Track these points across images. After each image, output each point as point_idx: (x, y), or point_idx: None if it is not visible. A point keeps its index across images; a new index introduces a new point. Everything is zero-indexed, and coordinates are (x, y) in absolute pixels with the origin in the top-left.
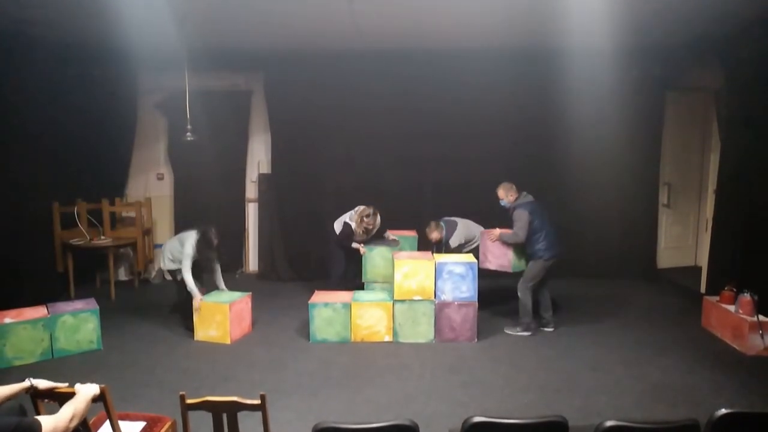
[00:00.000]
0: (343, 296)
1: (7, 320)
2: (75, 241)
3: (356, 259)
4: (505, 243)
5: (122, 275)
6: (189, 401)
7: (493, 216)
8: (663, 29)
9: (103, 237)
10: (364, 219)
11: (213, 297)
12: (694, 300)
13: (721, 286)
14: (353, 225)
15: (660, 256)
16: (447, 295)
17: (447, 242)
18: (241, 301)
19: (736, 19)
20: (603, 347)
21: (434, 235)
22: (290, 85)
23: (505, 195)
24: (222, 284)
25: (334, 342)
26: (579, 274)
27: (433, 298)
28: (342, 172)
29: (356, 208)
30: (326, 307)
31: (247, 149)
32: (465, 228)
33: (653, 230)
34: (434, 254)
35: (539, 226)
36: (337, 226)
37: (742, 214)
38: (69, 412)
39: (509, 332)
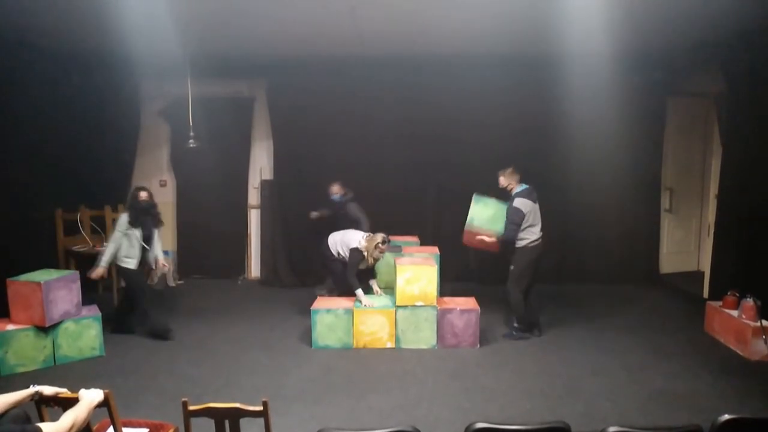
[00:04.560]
0: (345, 302)
1: (10, 327)
2: (78, 248)
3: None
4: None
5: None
6: (191, 408)
7: None
8: (664, 35)
9: (105, 243)
10: (380, 246)
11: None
12: (697, 305)
13: (723, 291)
14: (365, 253)
15: (662, 261)
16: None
17: (513, 198)
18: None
19: (737, 26)
20: (605, 353)
21: (501, 180)
22: (292, 92)
23: None
24: (160, 255)
25: (336, 348)
26: (581, 279)
27: (435, 303)
28: (344, 178)
29: (364, 234)
30: (328, 314)
31: (250, 156)
32: (535, 210)
33: (655, 235)
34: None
35: None
36: (340, 247)
37: (745, 219)
38: (69, 420)
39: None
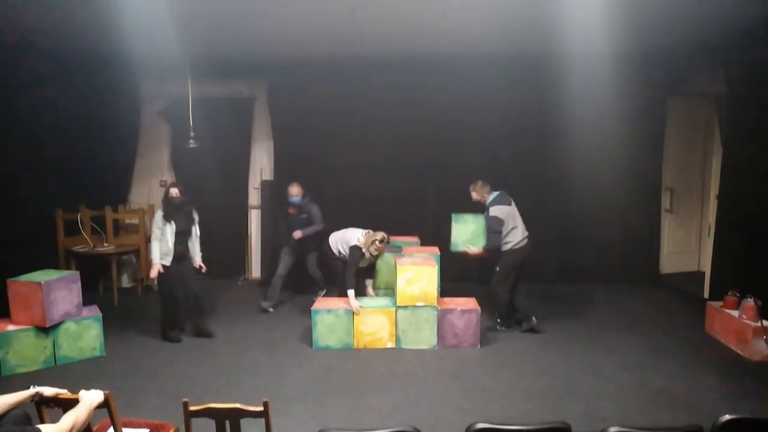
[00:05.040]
0: (345, 303)
1: (10, 327)
2: (78, 248)
3: (360, 275)
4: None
5: (125, 282)
6: (192, 408)
7: None
8: (665, 35)
9: (106, 244)
10: (377, 243)
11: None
12: (698, 305)
13: (724, 291)
14: (363, 249)
15: (663, 261)
16: None
17: (488, 208)
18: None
19: (737, 26)
20: (606, 353)
21: (473, 195)
22: (293, 92)
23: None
24: (196, 255)
25: (336, 348)
26: (582, 279)
27: (435, 303)
28: (344, 178)
29: (364, 231)
30: (329, 314)
31: (250, 156)
32: (513, 213)
33: (656, 235)
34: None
35: None
36: (341, 246)
37: (745, 219)
38: (70, 421)
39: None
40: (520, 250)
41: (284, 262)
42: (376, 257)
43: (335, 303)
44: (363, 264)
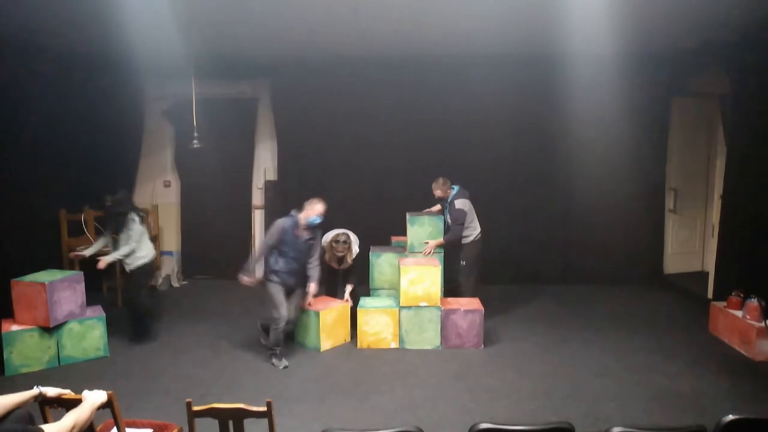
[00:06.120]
0: (319, 304)
1: (15, 327)
2: (82, 249)
3: (335, 277)
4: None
5: None
6: (195, 408)
7: (494, 221)
8: (669, 35)
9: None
10: (333, 245)
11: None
12: (702, 305)
13: (728, 291)
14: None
15: (667, 261)
16: None
17: (452, 201)
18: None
19: (741, 26)
20: (609, 353)
21: (437, 192)
22: (296, 93)
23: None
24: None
25: (308, 348)
26: (585, 279)
27: (438, 304)
28: (348, 179)
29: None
30: (304, 314)
31: (254, 156)
32: (471, 211)
33: (660, 236)
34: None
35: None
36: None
37: (749, 219)
38: (71, 420)
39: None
40: (480, 242)
41: (285, 310)
42: (341, 259)
43: (320, 302)
44: (335, 265)
